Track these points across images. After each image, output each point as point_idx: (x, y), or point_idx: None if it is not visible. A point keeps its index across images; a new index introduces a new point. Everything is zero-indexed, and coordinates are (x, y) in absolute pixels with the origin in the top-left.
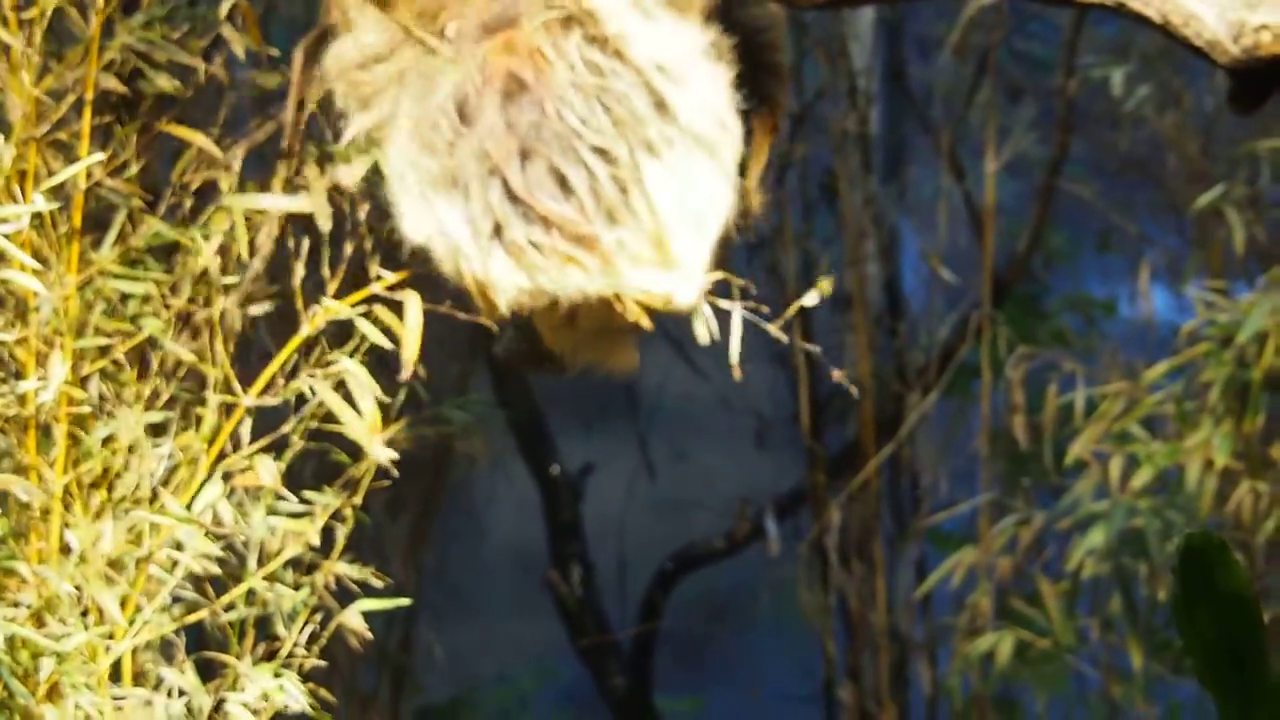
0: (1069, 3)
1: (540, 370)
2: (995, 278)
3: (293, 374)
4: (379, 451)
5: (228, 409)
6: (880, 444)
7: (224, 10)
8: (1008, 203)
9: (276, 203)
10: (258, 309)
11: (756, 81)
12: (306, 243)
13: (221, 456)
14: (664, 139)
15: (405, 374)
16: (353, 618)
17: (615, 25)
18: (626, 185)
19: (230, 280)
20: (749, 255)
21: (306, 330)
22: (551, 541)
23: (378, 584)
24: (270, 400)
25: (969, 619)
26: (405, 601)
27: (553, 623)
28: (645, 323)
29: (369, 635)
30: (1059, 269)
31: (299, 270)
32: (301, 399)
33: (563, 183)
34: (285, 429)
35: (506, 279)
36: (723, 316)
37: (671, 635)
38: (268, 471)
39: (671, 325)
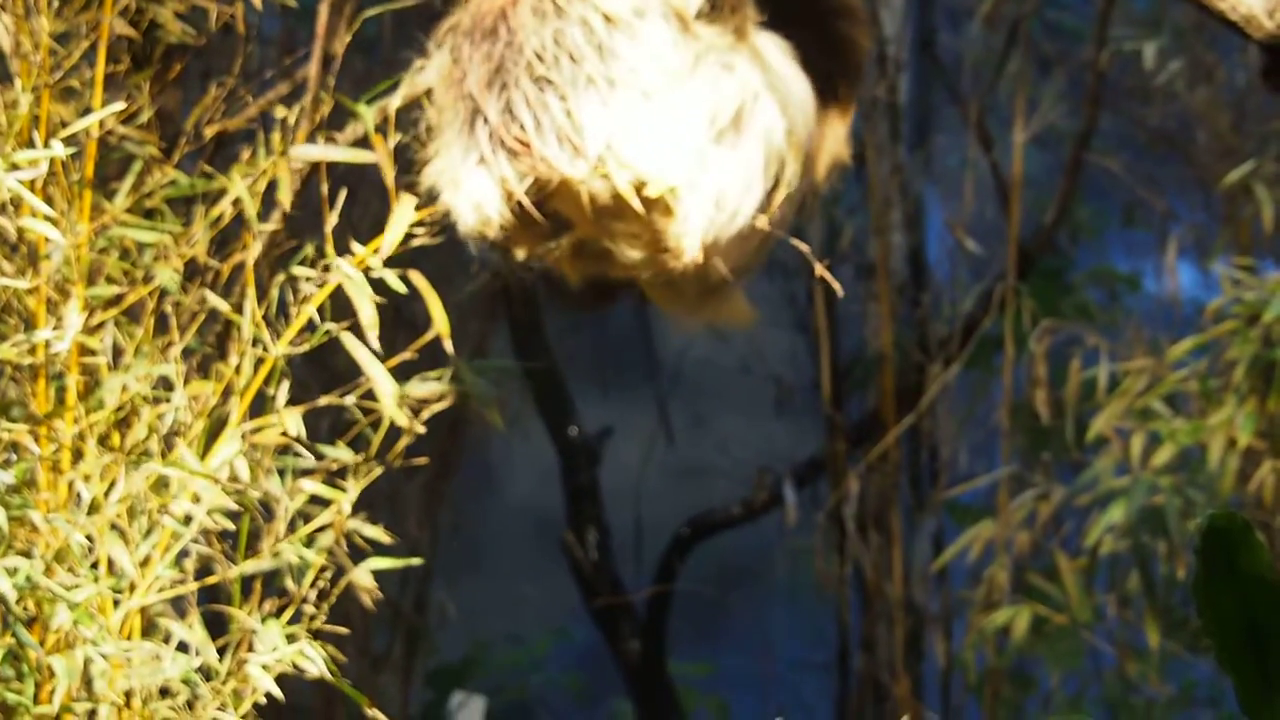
0: None
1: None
2: (1020, 250)
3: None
4: (396, 413)
5: (256, 361)
6: (900, 414)
7: None
8: (1034, 174)
9: (336, 154)
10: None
11: (828, 59)
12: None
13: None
14: (605, 79)
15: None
16: (363, 576)
17: None
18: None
19: (268, 227)
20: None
21: (336, 279)
22: (568, 504)
23: (390, 542)
24: (299, 350)
25: (985, 592)
26: (416, 561)
27: (567, 585)
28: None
29: (379, 594)
30: (1084, 242)
31: (332, 219)
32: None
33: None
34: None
35: (491, 203)
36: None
37: (686, 601)
38: (294, 423)
39: None
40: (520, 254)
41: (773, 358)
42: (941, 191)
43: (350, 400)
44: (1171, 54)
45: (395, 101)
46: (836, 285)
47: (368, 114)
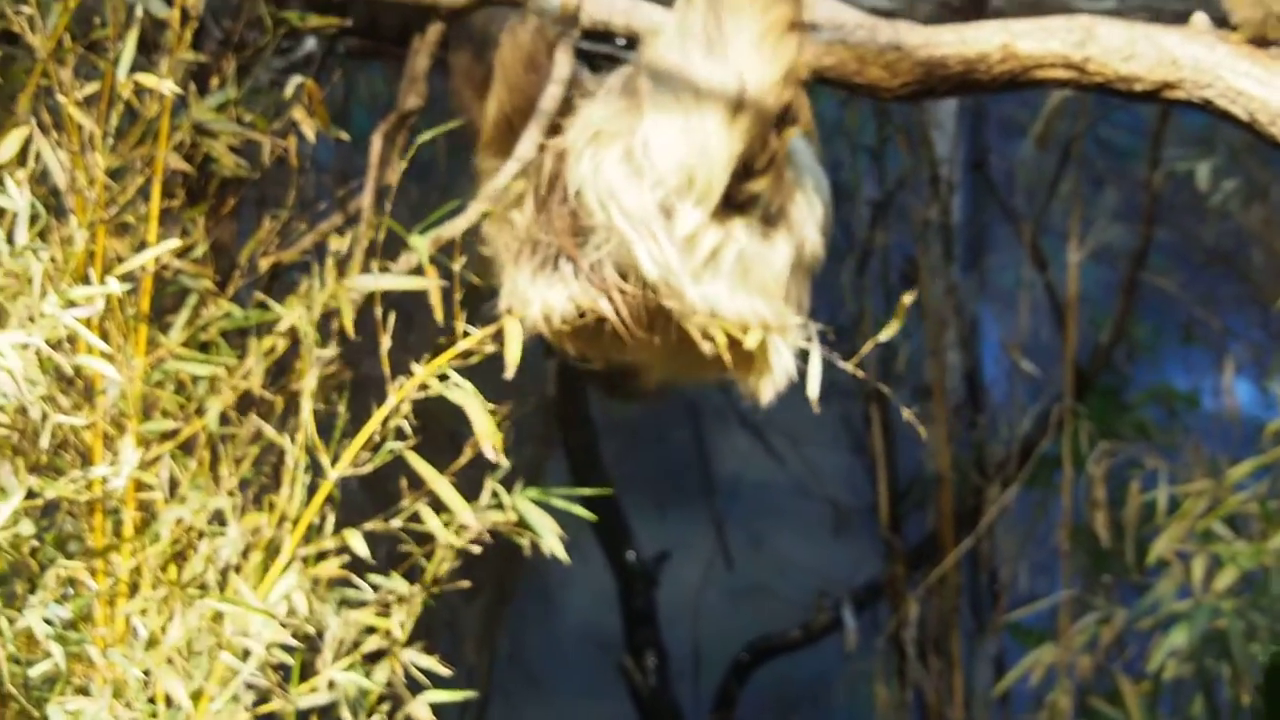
0: (1156, 99)
1: (618, 393)
2: (1077, 369)
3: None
4: (491, 453)
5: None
6: (959, 536)
7: (290, 91)
8: (1090, 292)
9: (390, 283)
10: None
11: None
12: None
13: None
14: None
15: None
16: (421, 709)
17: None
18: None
19: (325, 352)
20: (829, 342)
21: (393, 400)
22: (626, 628)
23: (447, 672)
24: (357, 471)
25: (1048, 717)
26: (472, 694)
27: (626, 710)
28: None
29: None
30: (1141, 361)
31: (386, 341)
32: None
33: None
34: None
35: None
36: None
37: None
38: (359, 545)
39: (750, 412)
40: (573, 350)
41: (830, 479)
42: (996, 311)
43: (396, 523)
44: (1226, 173)
45: (452, 230)
46: (909, 413)
47: (422, 245)
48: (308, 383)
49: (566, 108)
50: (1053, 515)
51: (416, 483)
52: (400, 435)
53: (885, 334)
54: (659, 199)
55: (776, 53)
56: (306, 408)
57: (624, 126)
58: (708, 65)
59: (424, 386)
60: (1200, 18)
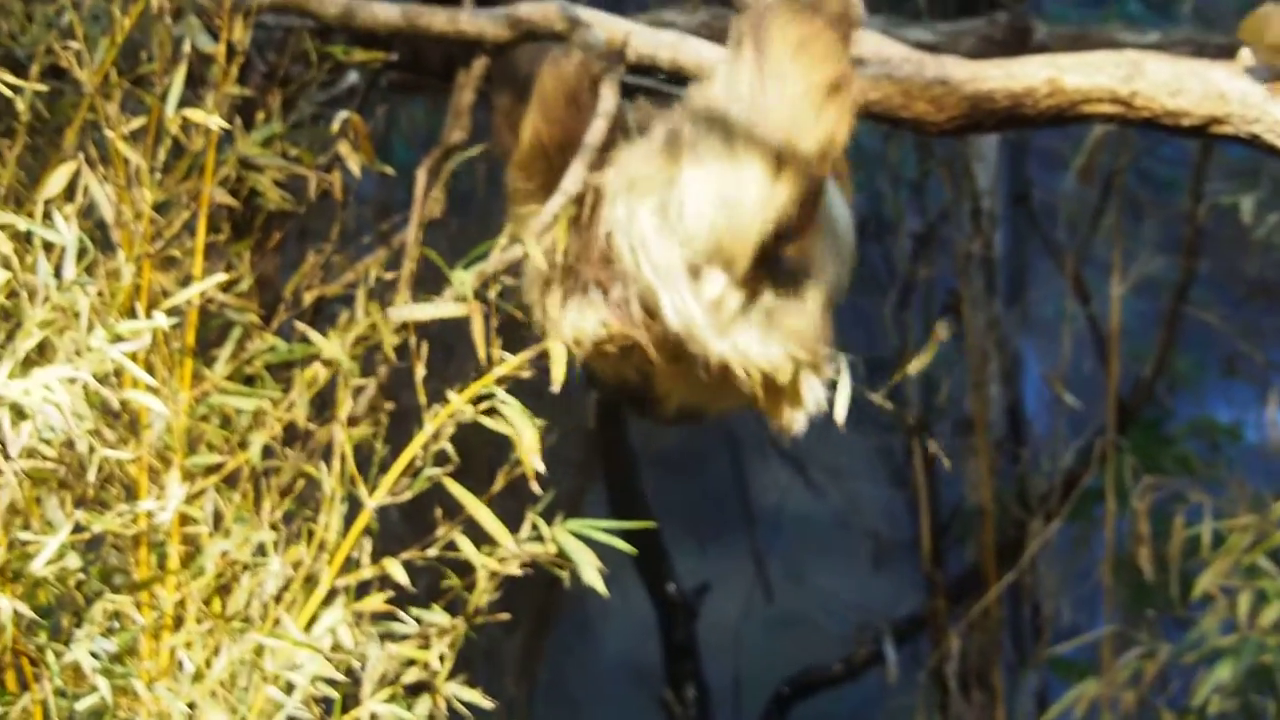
0: (1203, 134)
1: (649, 414)
2: (1120, 402)
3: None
4: (538, 465)
5: (348, 519)
6: (1001, 570)
7: (336, 126)
8: (1132, 325)
9: (429, 311)
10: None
11: None
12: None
13: (346, 568)
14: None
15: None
16: None
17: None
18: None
19: (364, 382)
20: (870, 375)
21: (431, 427)
22: (666, 660)
23: (488, 704)
24: (396, 500)
25: None
26: None
27: None
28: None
29: None
30: (1184, 394)
31: (420, 370)
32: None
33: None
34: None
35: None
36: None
37: None
38: (400, 572)
39: (790, 444)
40: (602, 372)
41: (870, 512)
42: (1038, 344)
43: (432, 552)
44: (1270, 206)
45: (496, 265)
46: (935, 446)
47: (465, 279)
48: (345, 413)
49: (608, 142)
50: (1095, 549)
51: (455, 512)
52: (439, 462)
53: (916, 365)
54: (687, 258)
55: (820, 119)
56: (339, 435)
57: (661, 180)
58: (748, 128)
59: (472, 404)
60: (1246, 53)
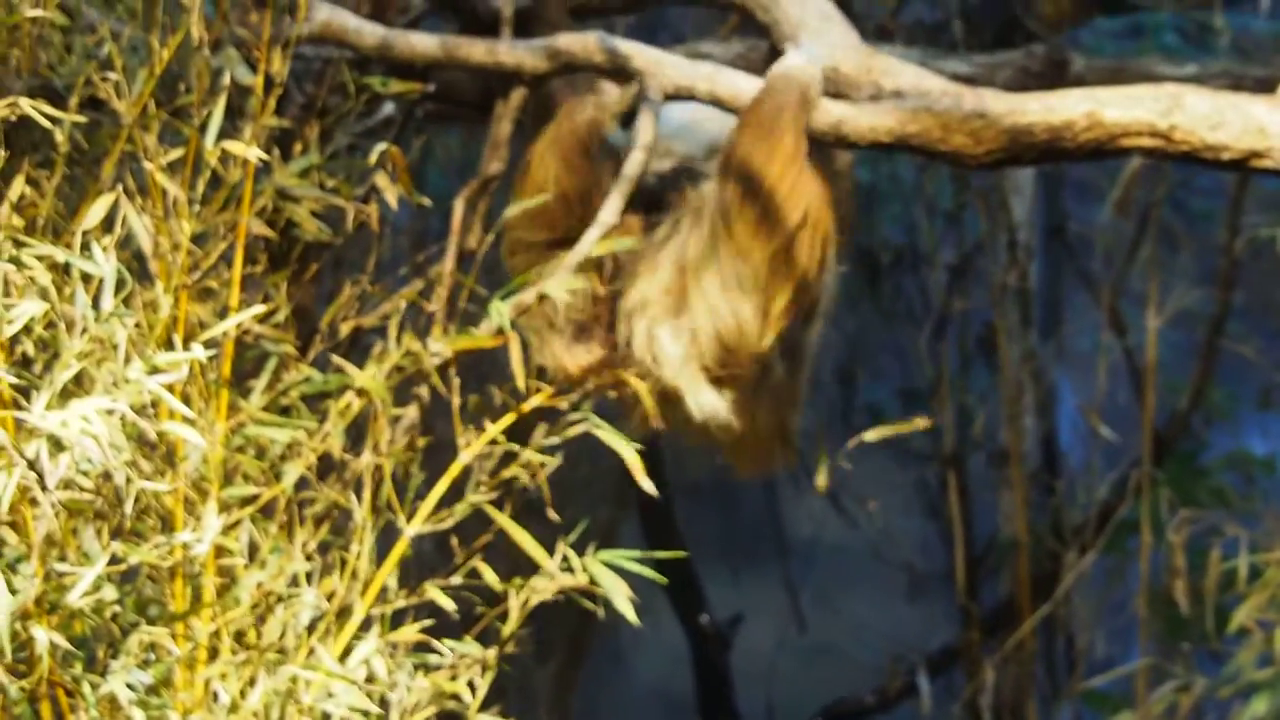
0: (1243, 168)
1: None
2: (1155, 435)
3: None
4: (646, 484)
5: (382, 549)
6: (1036, 602)
7: (374, 158)
8: (1167, 357)
9: (464, 343)
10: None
11: None
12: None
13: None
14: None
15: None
16: None
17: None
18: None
19: (402, 411)
20: (905, 408)
21: (466, 458)
22: (699, 690)
23: None
24: (437, 528)
25: None
26: None
27: None
28: None
29: None
30: (1219, 426)
31: (456, 400)
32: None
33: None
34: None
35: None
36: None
37: None
38: (440, 596)
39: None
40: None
41: (903, 543)
42: (1074, 376)
43: (455, 581)
44: None
45: (533, 297)
46: (948, 479)
47: (502, 311)
48: (380, 442)
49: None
50: (1129, 581)
51: (490, 542)
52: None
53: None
54: (705, 366)
55: (776, 287)
56: (373, 463)
57: (673, 306)
58: (738, 279)
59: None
60: None
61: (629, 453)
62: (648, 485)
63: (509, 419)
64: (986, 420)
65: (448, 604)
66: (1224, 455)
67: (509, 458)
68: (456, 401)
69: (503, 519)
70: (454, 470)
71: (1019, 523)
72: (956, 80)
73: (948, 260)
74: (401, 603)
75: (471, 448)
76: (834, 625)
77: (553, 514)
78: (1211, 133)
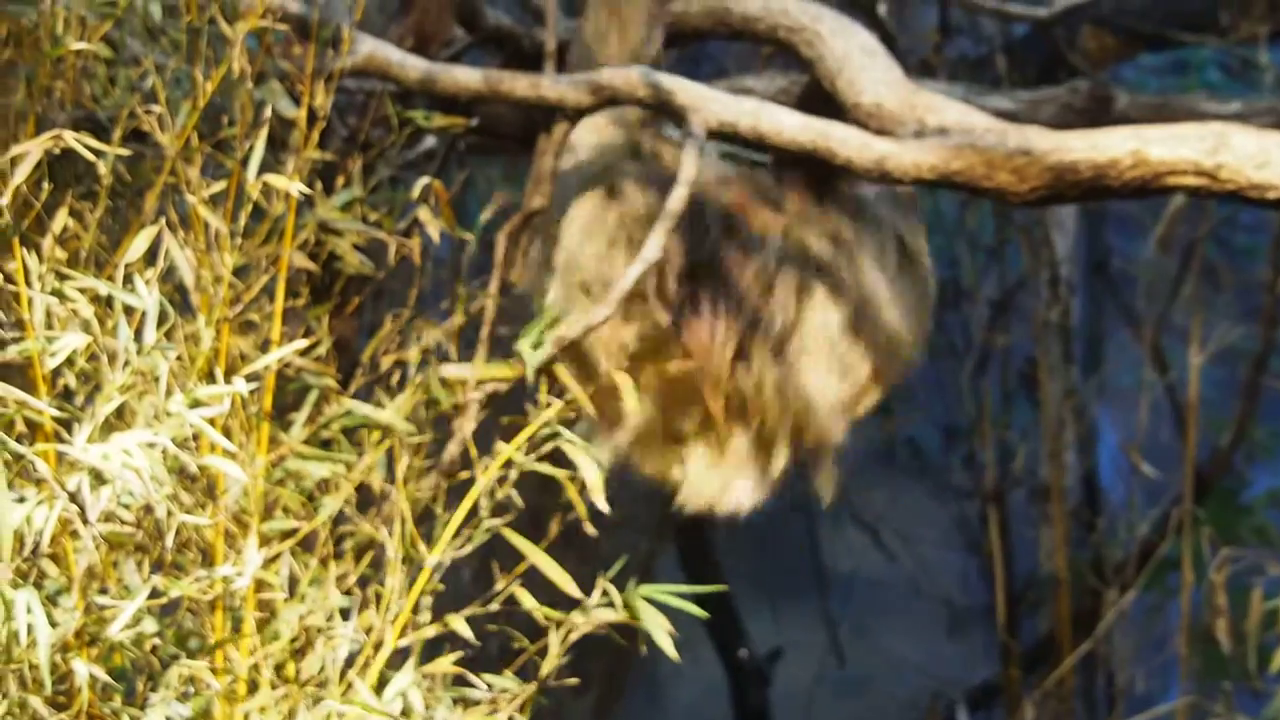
0: None
1: None
2: (1197, 472)
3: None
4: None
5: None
6: (1076, 639)
7: (416, 191)
8: (1208, 394)
9: (487, 372)
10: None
11: None
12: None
13: (412, 626)
14: None
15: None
16: None
17: None
18: None
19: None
20: (946, 443)
21: (483, 481)
22: None
23: None
24: (457, 554)
25: None
26: None
27: None
28: None
29: None
30: (1261, 463)
31: (469, 426)
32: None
33: None
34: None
35: None
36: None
37: None
38: (464, 628)
39: (863, 508)
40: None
41: (943, 579)
42: (1115, 413)
43: (494, 607)
44: None
45: (573, 331)
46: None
47: (531, 358)
48: (403, 475)
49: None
50: (1170, 619)
51: (527, 573)
52: (499, 513)
53: None
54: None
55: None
56: (397, 496)
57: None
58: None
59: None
60: None
61: (591, 470)
62: (602, 503)
63: (523, 436)
64: (1027, 456)
65: (468, 634)
66: (1266, 493)
67: (546, 484)
68: (469, 428)
69: (528, 547)
70: (472, 495)
71: (1059, 559)
72: (1000, 116)
73: (989, 295)
74: (430, 632)
75: (488, 472)
76: (872, 660)
77: (590, 529)
78: (1258, 172)
